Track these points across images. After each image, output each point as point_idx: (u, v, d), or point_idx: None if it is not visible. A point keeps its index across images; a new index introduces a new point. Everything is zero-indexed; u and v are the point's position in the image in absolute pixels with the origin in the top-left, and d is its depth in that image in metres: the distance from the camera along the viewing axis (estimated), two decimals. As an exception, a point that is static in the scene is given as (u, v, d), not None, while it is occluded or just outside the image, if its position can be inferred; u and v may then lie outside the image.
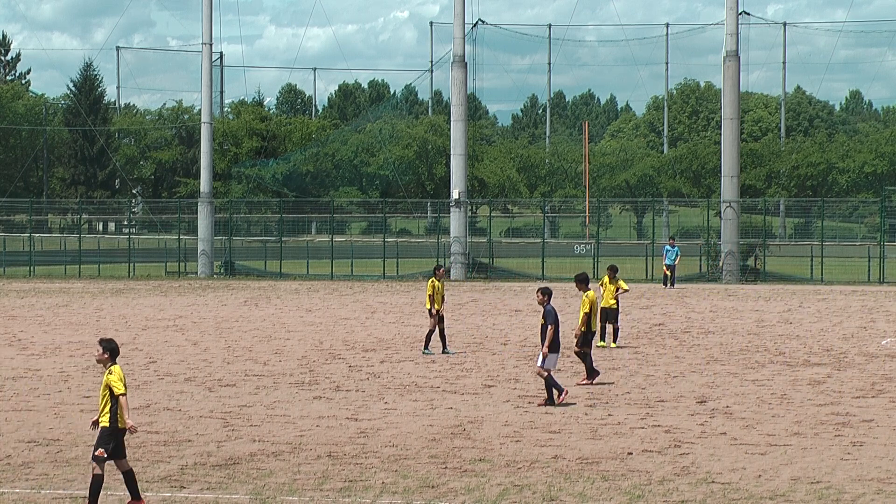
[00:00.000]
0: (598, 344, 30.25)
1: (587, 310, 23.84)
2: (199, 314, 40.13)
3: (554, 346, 21.01)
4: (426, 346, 28.72)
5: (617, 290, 30.61)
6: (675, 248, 54.82)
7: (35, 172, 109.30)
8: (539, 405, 20.82)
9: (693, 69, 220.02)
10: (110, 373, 13.68)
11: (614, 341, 30.39)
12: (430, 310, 28.59)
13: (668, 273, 54.72)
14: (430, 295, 28.71)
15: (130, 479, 13.76)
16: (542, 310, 21.44)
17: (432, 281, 28.84)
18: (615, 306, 30.59)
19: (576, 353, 24.20)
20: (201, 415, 19.96)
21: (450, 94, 69.34)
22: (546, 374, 20.94)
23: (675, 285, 54.73)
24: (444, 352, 28.50)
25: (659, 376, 24.81)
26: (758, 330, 34.85)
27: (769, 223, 78.05)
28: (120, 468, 13.78)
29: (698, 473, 15.60)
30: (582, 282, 24.37)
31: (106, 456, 13.54)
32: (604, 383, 23.66)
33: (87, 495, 13.64)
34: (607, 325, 30.51)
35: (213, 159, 73.76)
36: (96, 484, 13.55)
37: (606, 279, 30.77)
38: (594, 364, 24.05)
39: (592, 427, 18.91)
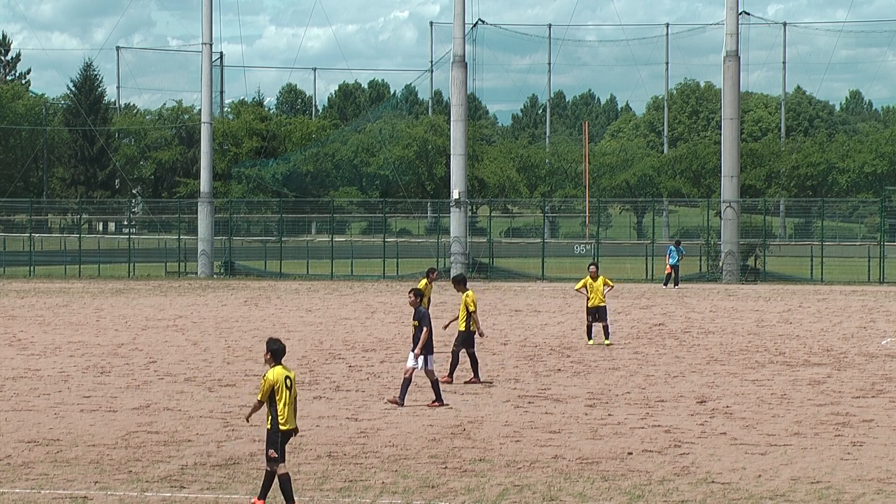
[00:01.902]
0: (589, 343, 30.50)
1: (473, 309, 23.85)
2: (199, 314, 40.14)
3: (429, 348, 20.95)
4: None
5: (604, 286, 30.85)
6: (681, 249, 55.01)
7: (35, 172, 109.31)
8: (432, 405, 20.83)
9: (693, 69, 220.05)
10: (264, 375, 13.71)
11: (606, 338, 30.64)
12: None
13: (670, 273, 54.92)
14: None
15: (269, 480, 13.74)
16: (413, 311, 21.26)
17: (424, 282, 29.06)
18: (604, 304, 30.87)
19: (453, 351, 24.06)
20: (201, 415, 19.96)
21: (450, 94, 69.35)
22: (434, 375, 20.92)
23: (679, 285, 54.81)
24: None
25: (659, 376, 24.81)
26: (758, 330, 34.85)
27: (769, 223, 78.04)
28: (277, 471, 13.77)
29: (698, 473, 15.60)
30: (460, 283, 24.50)
31: (277, 455, 13.56)
32: (478, 383, 23.75)
33: (283, 497, 13.66)
34: (596, 323, 30.89)
35: (213, 159, 73.76)
36: (284, 483, 13.60)
37: (590, 279, 30.92)
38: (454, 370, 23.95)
39: (592, 427, 18.91)
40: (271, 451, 13.59)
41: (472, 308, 23.86)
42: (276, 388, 13.60)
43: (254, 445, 17.38)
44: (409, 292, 21.60)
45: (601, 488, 14.81)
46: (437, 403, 20.90)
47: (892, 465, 16.12)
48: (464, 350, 23.92)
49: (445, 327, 25.31)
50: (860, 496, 14.45)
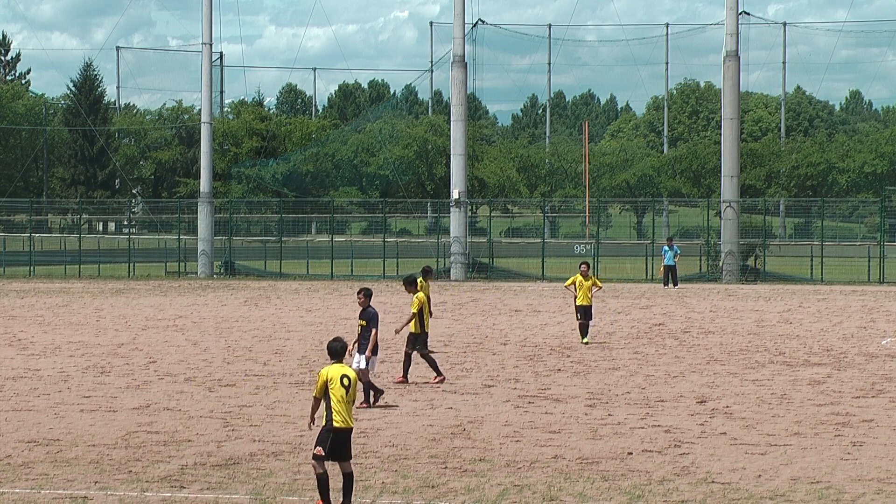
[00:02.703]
0: (584, 342, 30.66)
1: (416, 310, 23.73)
2: (199, 314, 40.13)
3: (375, 349, 20.81)
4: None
5: (592, 287, 31.31)
6: (675, 248, 55.04)
7: (35, 172, 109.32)
8: (360, 405, 20.41)
9: (693, 69, 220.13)
10: (319, 373, 13.61)
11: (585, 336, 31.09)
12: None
13: (665, 273, 54.99)
14: None
15: (347, 483, 13.57)
16: (360, 310, 21.04)
17: (421, 281, 29.06)
18: (591, 303, 31.34)
19: (407, 353, 23.83)
20: (201, 415, 19.96)
21: (450, 94, 69.33)
22: (366, 377, 20.66)
23: (678, 285, 54.84)
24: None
25: (659, 376, 24.81)
26: (758, 330, 34.85)
27: (769, 223, 78.05)
28: (341, 469, 13.62)
29: (698, 473, 15.60)
30: (410, 283, 24.22)
31: (323, 454, 13.40)
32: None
33: (318, 496, 13.57)
34: (585, 321, 31.23)
35: (213, 159, 73.77)
36: (320, 483, 13.47)
37: (580, 277, 31.22)
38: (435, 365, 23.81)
39: (592, 427, 18.91)
40: (318, 448, 13.43)
41: (413, 309, 23.71)
42: (329, 385, 13.48)
43: (254, 445, 17.38)
44: (359, 293, 21.22)
45: (601, 488, 14.80)
46: (364, 405, 20.55)
47: (892, 465, 16.11)
48: (418, 352, 23.75)
49: (398, 332, 24.76)
50: (860, 496, 14.45)
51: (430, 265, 31.67)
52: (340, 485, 13.74)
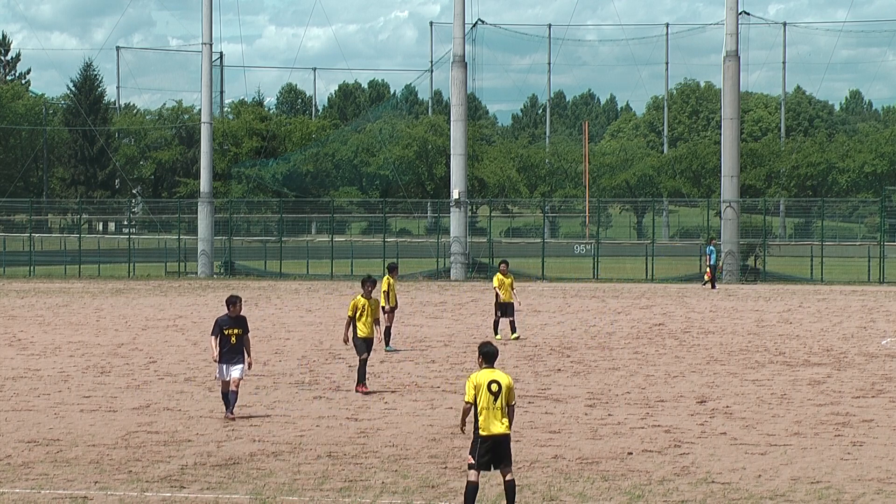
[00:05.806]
0: (497, 338, 30.98)
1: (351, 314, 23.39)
2: (199, 314, 40.12)
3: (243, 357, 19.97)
4: (387, 343, 29.14)
5: (512, 285, 32.10)
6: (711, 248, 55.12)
7: (35, 172, 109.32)
8: (230, 419, 19.55)
9: (693, 69, 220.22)
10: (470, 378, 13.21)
11: (514, 332, 31.63)
12: (383, 307, 29.10)
13: (711, 274, 54.54)
14: (385, 291, 29.23)
15: (509, 491, 13.27)
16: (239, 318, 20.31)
17: (387, 278, 29.37)
18: (513, 301, 31.97)
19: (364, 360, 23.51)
20: (201, 415, 19.96)
21: (450, 94, 69.38)
22: (237, 385, 19.68)
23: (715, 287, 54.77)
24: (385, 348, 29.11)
25: (659, 376, 24.80)
26: (758, 330, 34.85)
27: (769, 223, 78.05)
28: (502, 476, 13.31)
29: (698, 473, 15.60)
30: (370, 283, 23.36)
31: (473, 462, 13.08)
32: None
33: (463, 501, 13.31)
34: (504, 318, 31.91)
35: (213, 159, 73.79)
36: (467, 492, 13.16)
37: (501, 276, 32.02)
38: None
39: (592, 427, 18.90)
40: (469, 456, 13.13)
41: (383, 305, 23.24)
42: (477, 391, 13.09)
43: (254, 445, 17.38)
44: (235, 303, 20.41)
45: (601, 488, 14.80)
46: (231, 417, 19.52)
47: (892, 465, 16.11)
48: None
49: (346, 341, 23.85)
50: (860, 496, 14.45)
51: (394, 262, 32.02)
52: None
